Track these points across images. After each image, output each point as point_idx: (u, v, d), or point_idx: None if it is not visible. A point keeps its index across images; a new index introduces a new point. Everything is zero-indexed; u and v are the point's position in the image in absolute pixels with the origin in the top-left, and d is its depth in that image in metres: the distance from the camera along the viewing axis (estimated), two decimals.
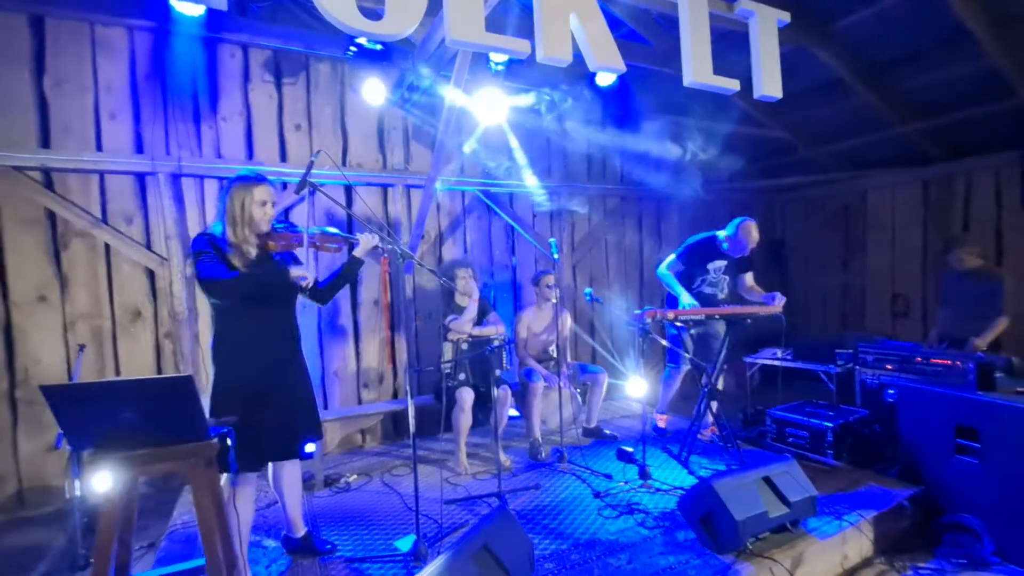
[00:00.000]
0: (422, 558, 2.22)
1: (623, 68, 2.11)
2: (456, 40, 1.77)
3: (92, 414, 1.28)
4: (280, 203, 3.81)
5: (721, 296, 3.66)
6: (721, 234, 3.59)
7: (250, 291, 1.94)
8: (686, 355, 3.59)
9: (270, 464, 2.17)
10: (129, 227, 3.63)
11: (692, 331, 3.63)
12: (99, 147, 3.53)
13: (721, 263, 3.62)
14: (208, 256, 1.90)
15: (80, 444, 1.33)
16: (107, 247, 3.57)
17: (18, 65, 3.31)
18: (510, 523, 2.00)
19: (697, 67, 2.22)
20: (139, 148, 3.63)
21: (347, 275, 2.30)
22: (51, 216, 3.43)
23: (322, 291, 2.24)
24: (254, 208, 2.02)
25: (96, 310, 3.55)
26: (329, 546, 2.37)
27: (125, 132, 3.61)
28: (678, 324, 3.28)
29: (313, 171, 3.99)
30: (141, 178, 3.65)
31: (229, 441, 1.50)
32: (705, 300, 3.56)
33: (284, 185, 3.95)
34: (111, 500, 1.32)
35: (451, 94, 3.15)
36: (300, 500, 2.35)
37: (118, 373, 3.60)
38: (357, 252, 2.24)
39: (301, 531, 2.36)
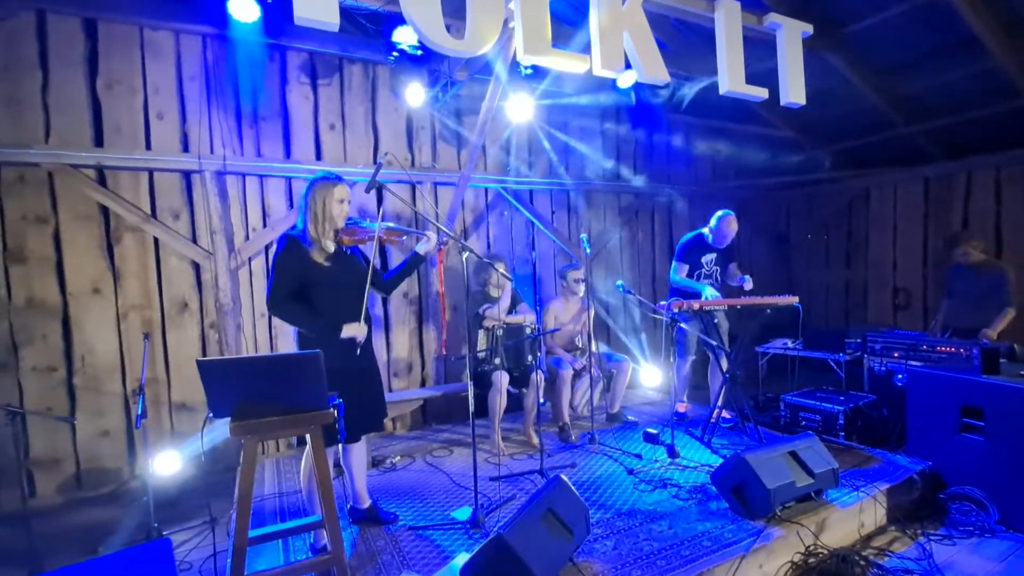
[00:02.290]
0: (481, 525, 2.43)
1: (668, 79, 2.32)
2: (528, 57, 1.97)
3: (235, 386, 1.48)
4: None
5: (716, 286, 3.96)
6: (706, 230, 3.94)
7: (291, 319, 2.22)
8: (714, 343, 3.82)
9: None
10: (176, 222, 3.80)
11: (697, 324, 3.87)
12: (148, 146, 3.69)
13: (712, 255, 3.97)
14: (280, 274, 2.16)
15: (221, 412, 1.53)
16: (156, 241, 3.73)
17: (74, 68, 3.47)
18: (567, 491, 2.21)
19: (732, 77, 2.43)
20: (185, 147, 3.79)
21: (410, 269, 2.49)
22: (104, 212, 3.59)
23: (387, 283, 2.44)
24: (333, 205, 2.21)
25: (146, 301, 3.72)
26: (392, 516, 2.58)
27: (172, 131, 3.77)
28: (697, 313, 3.55)
29: (351, 169, 4.20)
30: (187, 176, 3.82)
31: (336, 413, 1.69)
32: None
33: None
34: (249, 461, 1.52)
35: (489, 99, 3.34)
36: (365, 474, 2.56)
37: (167, 362, 3.78)
38: (420, 249, 2.43)
39: (366, 503, 2.56)
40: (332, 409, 1.63)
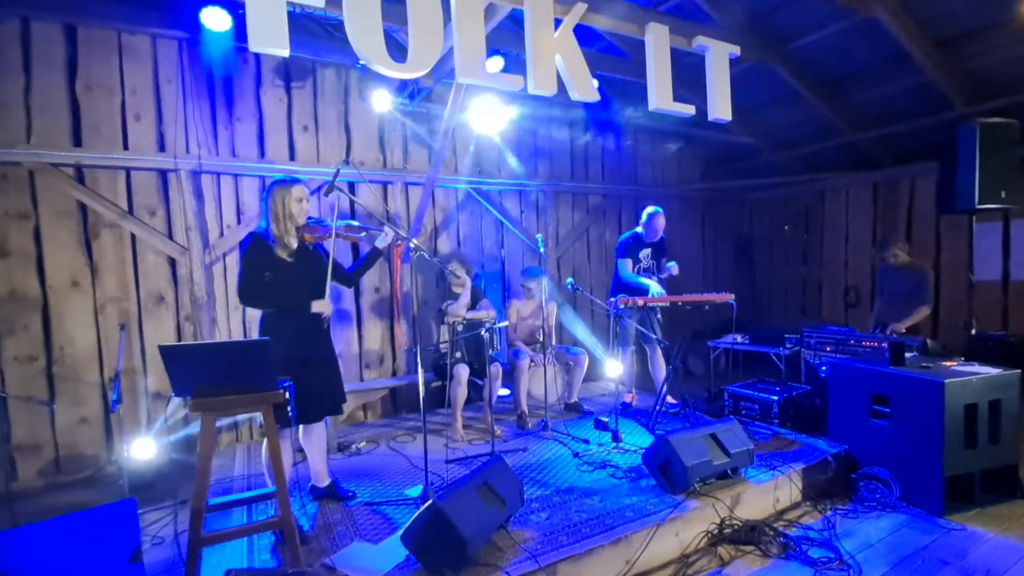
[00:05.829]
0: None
1: (597, 98, 2.56)
2: (463, 80, 2.19)
3: (193, 368, 1.69)
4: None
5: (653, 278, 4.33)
6: (639, 228, 4.33)
7: (274, 301, 2.39)
8: (653, 336, 4.11)
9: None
10: (152, 219, 3.98)
11: (635, 317, 4.19)
12: (125, 146, 3.86)
13: (647, 250, 4.36)
14: (248, 267, 2.35)
15: (182, 392, 1.75)
16: (133, 237, 3.91)
17: (54, 70, 3.63)
18: (504, 467, 2.47)
19: (659, 95, 2.68)
20: (161, 147, 3.97)
21: (369, 263, 2.72)
22: (83, 209, 3.75)
23: (349, 276, 2.67)
24: (292, 205, 2.43)
25: (124, 295, 3.89)
26: (350, 493, 2.81)
27: (149, 132, 3.94)
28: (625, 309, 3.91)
29: (324, 169, 4.39)
30: (163, 174, 3.99)
31: (287, 395, 1.92)
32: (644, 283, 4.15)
33: None
34: (206, 433, 1.74)
35: (449, 112, 3.55)
36: (325, 455, 2.79)
37: (144, 353, 3.96)
38: (378, 244, 2.66)
39: (326, 481, 2.79)
40: (282, 391, 1.86)
